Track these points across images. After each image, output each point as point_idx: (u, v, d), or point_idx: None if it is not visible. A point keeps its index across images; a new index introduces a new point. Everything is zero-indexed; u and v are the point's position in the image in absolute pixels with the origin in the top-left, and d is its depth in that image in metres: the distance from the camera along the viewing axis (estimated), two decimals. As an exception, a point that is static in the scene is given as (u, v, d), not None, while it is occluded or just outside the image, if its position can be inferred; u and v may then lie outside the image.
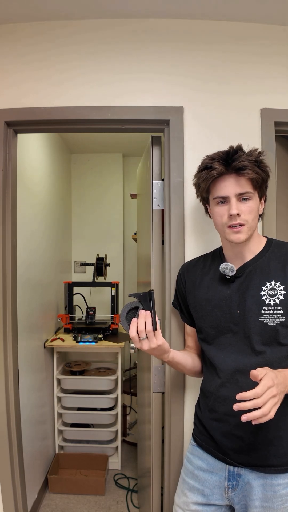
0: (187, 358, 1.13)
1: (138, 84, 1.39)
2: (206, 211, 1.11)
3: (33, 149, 2.08)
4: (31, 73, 1.40)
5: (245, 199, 0.95)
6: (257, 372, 0.78)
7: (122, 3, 1.32)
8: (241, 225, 0.95)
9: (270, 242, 1.04)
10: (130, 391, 2.73)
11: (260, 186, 0.98)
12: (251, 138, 1.34)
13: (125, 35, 1.39)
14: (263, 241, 1.05)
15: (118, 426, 2.45)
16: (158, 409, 1.44)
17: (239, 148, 0.96)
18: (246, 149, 0.97)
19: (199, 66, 1.38)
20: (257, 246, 1.02)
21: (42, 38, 1.40)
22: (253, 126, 1.37)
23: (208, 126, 1.37)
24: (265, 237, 1.07)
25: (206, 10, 1.34)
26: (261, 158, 0.97)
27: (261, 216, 1.04)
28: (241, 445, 0.96)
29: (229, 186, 0.95)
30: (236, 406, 0.74)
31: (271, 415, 0.74)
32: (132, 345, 1.81)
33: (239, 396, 0.75)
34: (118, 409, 2.47)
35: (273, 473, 0.93)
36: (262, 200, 1.02)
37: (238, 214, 0.94)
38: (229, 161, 0.94)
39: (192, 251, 1.35)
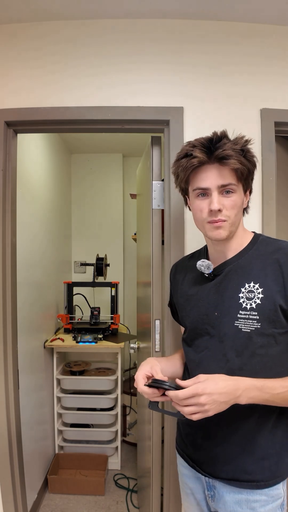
0: (168, 370, 1.04)
1: (138, 84, 1.39)
2: (186, 203, 1.00)
3: (33, 150, 2.08)
4: (31, 73, 1.40)
5: (228, 192, 0.85)
6: (186, 383, 0.76)
7: (123, 3, 1.32)
8: (222, 221, 0.85)
9: (256, 238, 0.93)
10: (130, 391, 2.73)
11: (246, 178, 0.87)
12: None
13: (125, 35, 1.39)
14: (249, 237, 0.93)
15: (118, 426, 2.45)
16: (158, 409, 1.44)
17: (223, 135, 0.85)
18: (231, 136, 0.87)
19: (199, 66, 1.38)
20: (240, 242, 0.92)
21: (42, 38, 1.40)
22: (253, 126, 1.37)
23: (208, 126, 1.37)
24: (253, 232, 0.96)
25: (206, 11, 1.34)
26: (248, 147, 0.86)
27: (245, 210, 0.95)
28: (208, 456, 0.91)
29: (211, 177, 0.84)
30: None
31: (193, 417, 0.74)
32: (132, 345, 1.82)
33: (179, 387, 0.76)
34: (118, 409, 2.47)
35: (247, 488, 0.85)
36: (247, 193, 0.92)
37: (219, 210, 0.84)
38: (212, 149, 0.83)
39: (192, 252, 1.34)
